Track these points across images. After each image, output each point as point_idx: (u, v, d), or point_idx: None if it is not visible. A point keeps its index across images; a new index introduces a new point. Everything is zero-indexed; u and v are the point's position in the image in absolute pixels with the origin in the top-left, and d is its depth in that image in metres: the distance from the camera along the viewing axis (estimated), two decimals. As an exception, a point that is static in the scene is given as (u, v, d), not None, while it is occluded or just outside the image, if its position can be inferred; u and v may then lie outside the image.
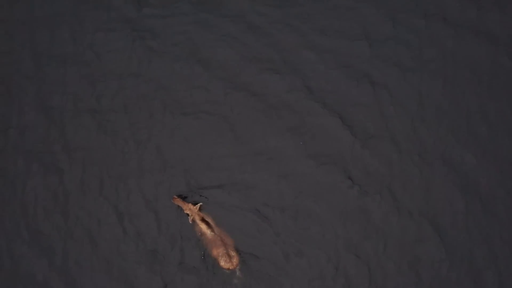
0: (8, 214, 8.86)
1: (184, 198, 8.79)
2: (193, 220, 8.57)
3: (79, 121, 9.41)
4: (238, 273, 8.32)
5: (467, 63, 9.60)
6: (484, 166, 8.91)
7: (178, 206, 8.71)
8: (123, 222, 8.73)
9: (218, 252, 8.32)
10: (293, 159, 9.06)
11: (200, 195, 8.84)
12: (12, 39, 10.03)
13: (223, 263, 8.27)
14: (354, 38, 9.84)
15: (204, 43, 9.91)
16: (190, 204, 8.65)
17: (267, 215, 8.67)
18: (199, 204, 8.63)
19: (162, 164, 9.08)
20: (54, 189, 8.96)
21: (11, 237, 8.72)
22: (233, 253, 8.33)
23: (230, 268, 8.27)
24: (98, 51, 9.88)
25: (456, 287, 8.30)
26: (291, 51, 9.83)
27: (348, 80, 9.53)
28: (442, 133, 9.15)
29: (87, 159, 9.14)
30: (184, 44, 9.91)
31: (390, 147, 9.07)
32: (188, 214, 8.60)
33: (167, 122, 9.38)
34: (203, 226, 8.50)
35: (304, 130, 9.24)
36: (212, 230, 8.45)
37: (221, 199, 8.81)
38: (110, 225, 8.73)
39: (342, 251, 8.47)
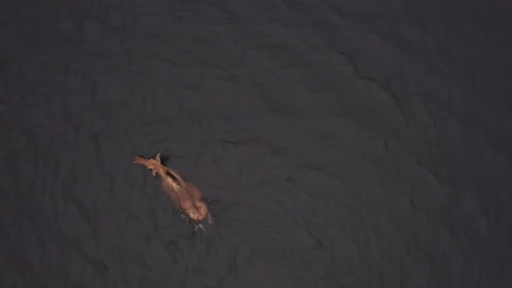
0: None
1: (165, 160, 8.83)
2: (158, 174, 8.62)
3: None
4: (210, 221, 8.51)
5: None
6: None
7: (144, 166, 8.74)
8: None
9: (186, 205, 8.45)
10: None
11: (167, 150, 8.89)
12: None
13: (192, 214, 8.43)
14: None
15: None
16: (151, 159, 8.66)
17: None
18: (157, 156, 8.63)
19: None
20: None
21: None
22: (199, 204, 8.46)
23: (200, 218, 8.44)
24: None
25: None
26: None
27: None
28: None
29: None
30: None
31: (424, 109, 9.08)
32: (151, 169, 8.64)
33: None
34: (168, 180, 8.56)
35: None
36: (178, 183, 8.52)
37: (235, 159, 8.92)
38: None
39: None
